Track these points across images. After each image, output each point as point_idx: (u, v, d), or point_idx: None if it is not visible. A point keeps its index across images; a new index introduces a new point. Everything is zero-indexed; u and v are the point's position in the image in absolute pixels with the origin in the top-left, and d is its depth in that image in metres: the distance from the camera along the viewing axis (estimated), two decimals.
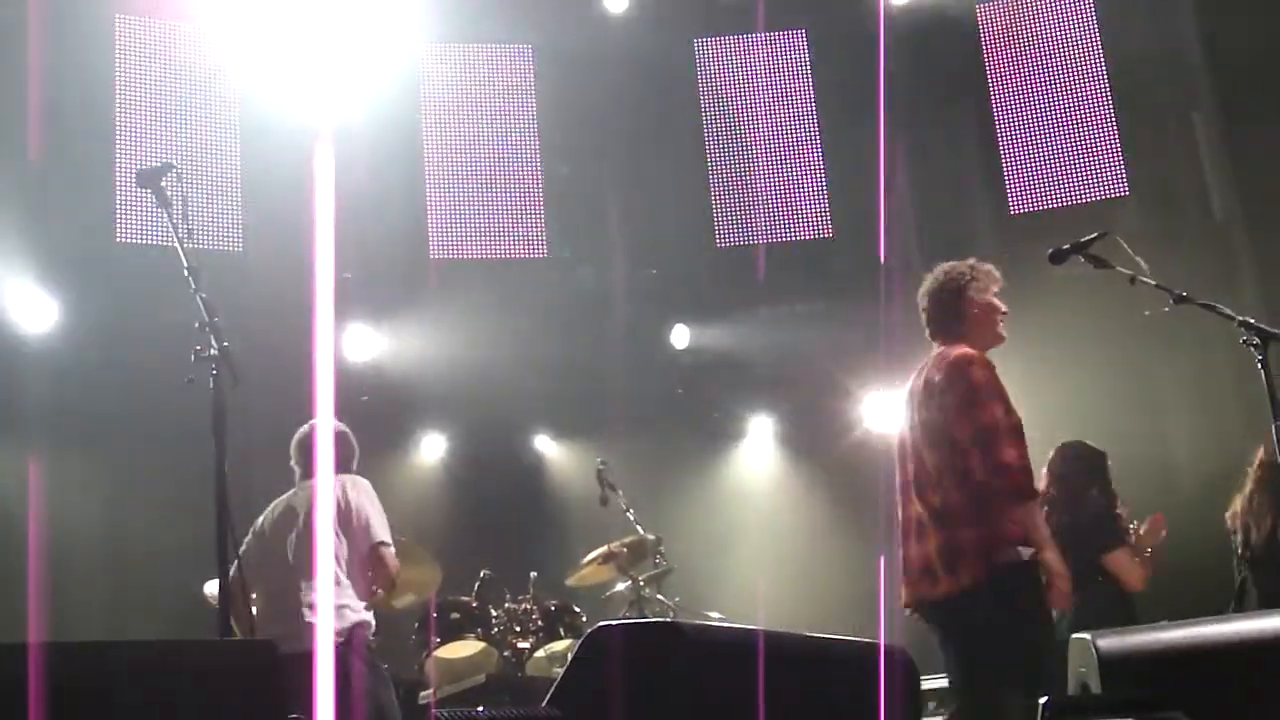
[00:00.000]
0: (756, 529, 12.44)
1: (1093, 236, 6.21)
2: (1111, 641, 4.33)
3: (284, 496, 7.55)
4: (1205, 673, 4.24)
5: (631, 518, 9.55)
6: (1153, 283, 6.04)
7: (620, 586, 9.51)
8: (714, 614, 9.52)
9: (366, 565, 7.21)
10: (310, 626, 6.87)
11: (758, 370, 12.64)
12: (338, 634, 6.91)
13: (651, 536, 9.54)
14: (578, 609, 9.76)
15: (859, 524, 11.78)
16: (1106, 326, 11.33)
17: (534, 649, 9.43)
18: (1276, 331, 5.76)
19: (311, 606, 6.94)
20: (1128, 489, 11.29)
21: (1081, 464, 8.01)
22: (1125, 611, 7.80)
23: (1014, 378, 11.76)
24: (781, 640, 3.96)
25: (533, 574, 9.79)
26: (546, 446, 12.91)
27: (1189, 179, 12.50)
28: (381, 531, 7.24)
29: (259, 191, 11.67)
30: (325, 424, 7.22)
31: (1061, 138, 12.67)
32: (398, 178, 12.22)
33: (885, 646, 4.34)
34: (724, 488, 12.86)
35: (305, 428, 7.59)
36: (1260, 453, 7.89)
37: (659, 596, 9.44)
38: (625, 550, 9.43)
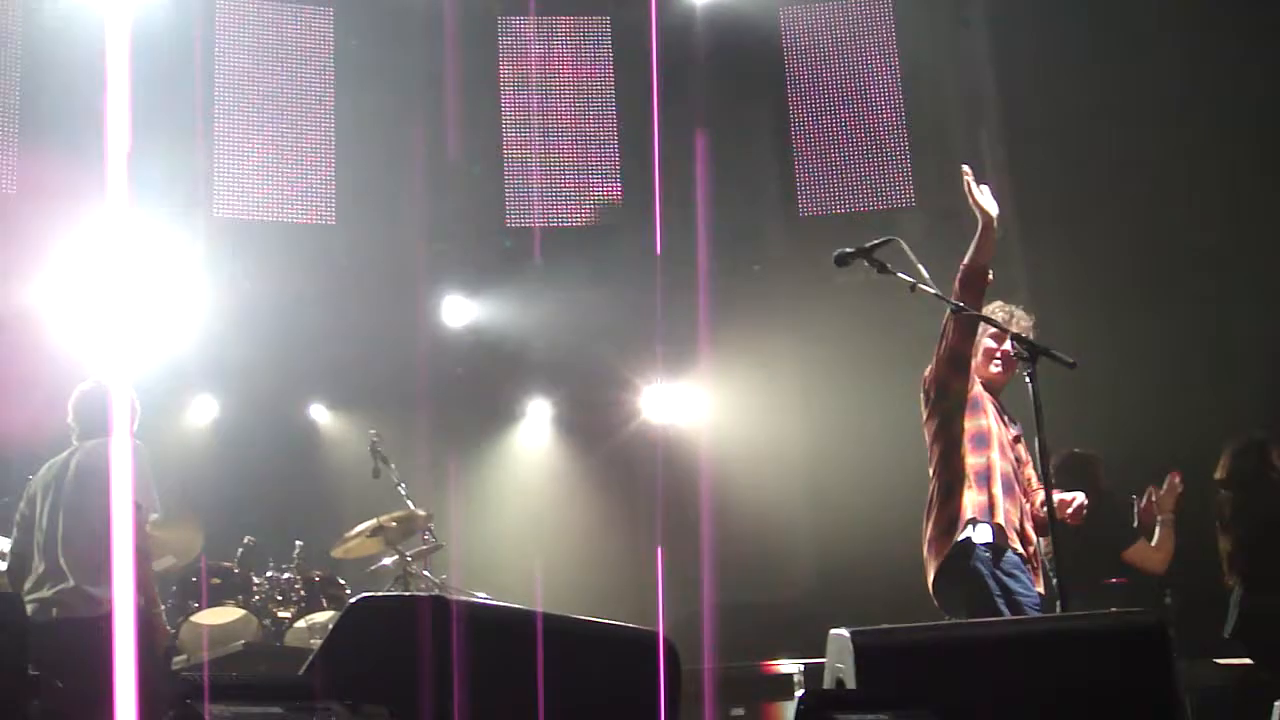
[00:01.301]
0: (531, 512, 12.41)
1: (878, 241, 6.30)
2: (867, 638, 4.41)
3: (59, 457, 7.28)
4: (956, 670, 4.34)
5: (403, 492, 9.47)
6: (933, 291, 6.16)
7: (387, 561, 9.41)
8: (481, 593, 9.48)
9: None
10: (80, 592, 6.76)
11: (538, 353, 12.60)
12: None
13: (422, 512, 9.46)
14: (342, 581, 9.64)
15: (636, 514, 11.86)
16: (886, 332, 11.57)
17: (295, 619, 9.29)
18: (1044, 346, 5.94)
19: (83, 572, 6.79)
20: (896, 492, 11.58)
21: (1068, 475, 8.06)
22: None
23: (793, 379, 12.07)
24: (551, 621, 3.94)
25: (298, 543, 9.65)
26: (321, 415, 12.69)
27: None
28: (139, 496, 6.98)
29: None
30: (113, 383, 7.01)
31: (854, 145, 12.89)
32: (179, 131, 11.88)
33: (646, 633, 4.36)
34: (499, 468, 12.80)
35: (87, 384, 7.39)
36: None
37: (426, 573, 9.36)
38: (395, 524, 9.33)
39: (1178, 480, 8.53)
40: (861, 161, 12.86)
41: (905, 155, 12.83)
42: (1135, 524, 8.53)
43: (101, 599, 6.77)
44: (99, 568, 6.81)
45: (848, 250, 6.30)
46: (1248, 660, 9.08)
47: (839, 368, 11.94)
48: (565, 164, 12.99)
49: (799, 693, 3.81)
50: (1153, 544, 8.49)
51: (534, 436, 12.93)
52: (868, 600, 10.46)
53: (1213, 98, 11.64)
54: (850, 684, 4.38)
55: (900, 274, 6.21)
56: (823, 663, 4.79)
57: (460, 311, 12.58)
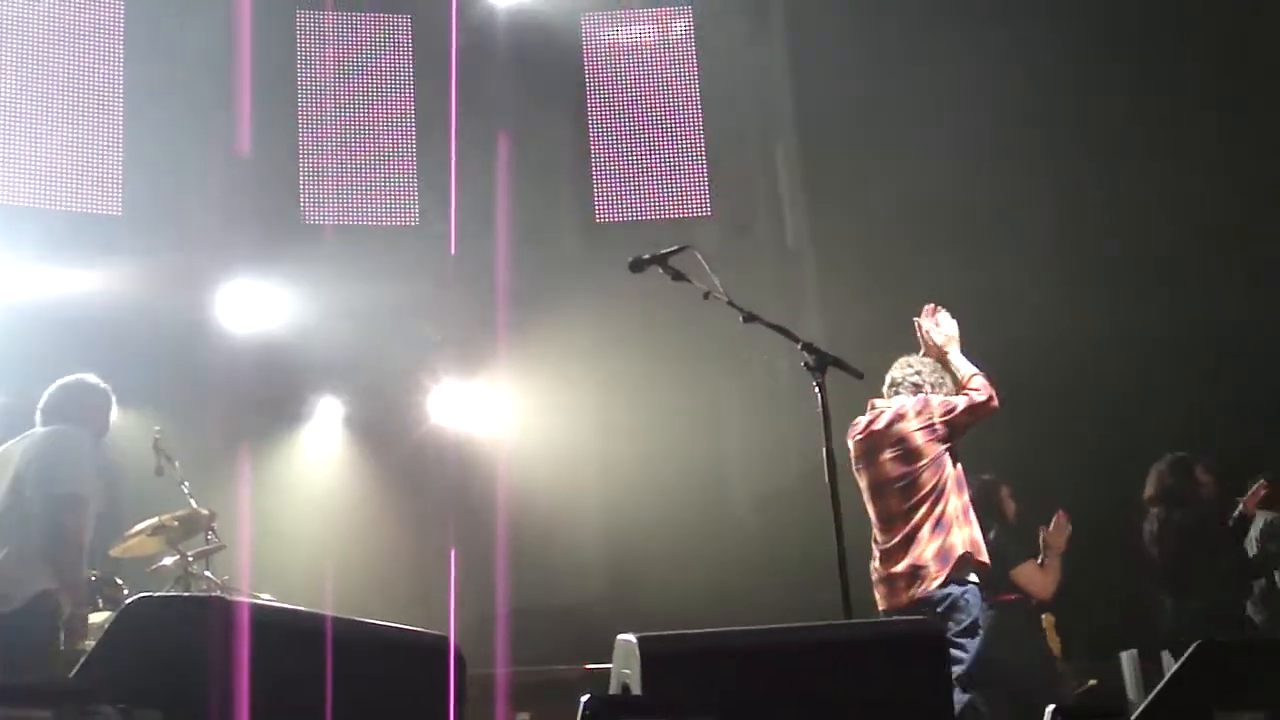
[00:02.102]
0: (321, 513, 12.20)
1: (673, 249, 6.36)
2: (654, 644, 4.42)
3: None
4: (743, 676, 4.38)
5: (186, 490, 9.24)
6: (725, 299, 6.22)
7: (168, 561, 9.17)
8: (266, 595, 9.31)
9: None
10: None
11: (329, 352, 12.38)
12: None
13: (205, 511, 9.25)
14: (120, 580, 9.36)
15: (427, 517, 11.76)
16: (679, 339, 11.67)
17: None
18: (834, 356, 6.03)
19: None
20: (687, 499, 11.70)
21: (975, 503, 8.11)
22: (1031, 625, 8.74)
23: (587, 383, 12.09)
24: (339, 625, 3.87)
25: None
26: None
27: (768, 207, 13.03)
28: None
29: None
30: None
31: (652, 152, 12.99)
32: None
33: (434, 637, 4.32)
34: (288, 468, 12.56)
35: (69, 379, 7.49)
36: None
37: (208, 574, 9.15)
38: (176, 523, 9.09)
39: (1064, 520, 8.80)
40: (659, 170, 12.96)
41: (702, 165, 12.97)
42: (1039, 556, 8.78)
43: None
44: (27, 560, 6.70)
45: (643, 257, 6.36)
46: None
47: (633, 373, 12.01)
48: (362, 162, 12.84)
49: (583, 698, 3.79)
50: (1039, 565, 8.73)
51: (324, 436, 12.72)
52: (655, 607, 10.53)
53: (1008, 117, 11.98)
54: (636, 690, 4.39)
55: (695, 282, 6.27)
56: (609, 668, 4.80)
57: (250, 307, 12.30)
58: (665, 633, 4.60)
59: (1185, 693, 4.43)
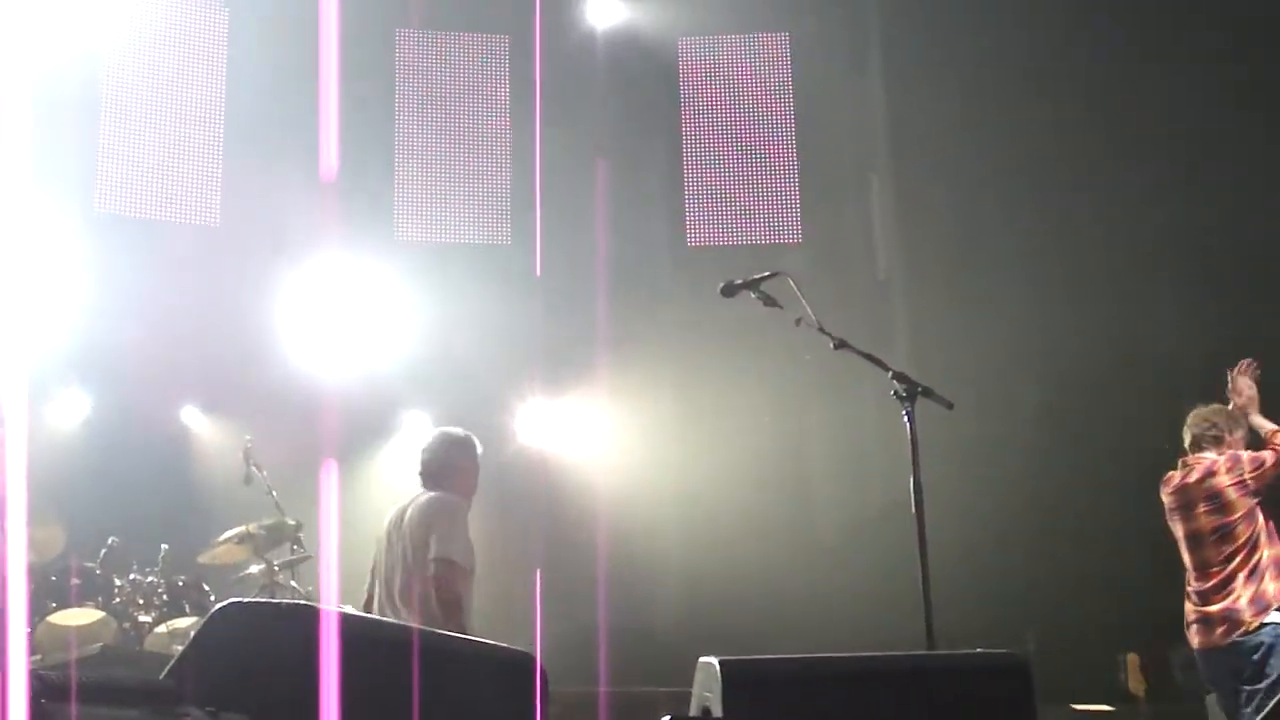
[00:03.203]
0: None
1: (765, 275, 6.36)
2: (735, 667, 4.42)
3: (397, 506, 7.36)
4: (822, 702, 4.37)
5: (274, 499, 9.35)
6: (816, 326, 6.21)
7: (254, 569, 9.29)
8: (348, 607, 9.37)
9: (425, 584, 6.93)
10: None
11: (419, 367, 12.47)
12: None
13: (292, 521, 9.35)
14: (207, 587, 9.50)
15: (513, 535, 11.78)
16: (767, 365, 11.67)
17: (156, 623, 9.15)
18: (924, 385, 6.00)
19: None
20: (769, 526, 11.67)
21: None
22: None
23: (673, 407, 12.10)
24: (425, 638, 3.90)
25: (164, 547, 9.50)
26: (194, 419, 12.48)
27: (859, 235, 13.01)
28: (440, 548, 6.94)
29: None
30: None
31: (745, 178, 13.00)
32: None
33: (524, 654, 4.33)
34: (374, 481, 12.64)
35: (432, 433, 7.60)
36: None
37: (293, 583, 9.26)
38: (263, 532, 9.22)
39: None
40: (751, 195, 12.97)
41: (794, 192, 12.96)
42: None
43: None
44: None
45: (735, 282, 6.37)
46: (1107, 707, 9.30)
47: (721, 398, 12.02)
48: (456, 180, 12.95)
49: (664, 718, 3.80)
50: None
51: (411, 451, 12.76)
52: (736, 631, 10.51)
53: (1099, 150, 11.91)
54: (717, 712, 4.39)
55: (785, 308, 6.27)
56: (690, 691, 4.80)
57: (342, 320, 12.41)
58: (747, 657, 4.60)
59: None
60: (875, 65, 13.12)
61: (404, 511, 7.21)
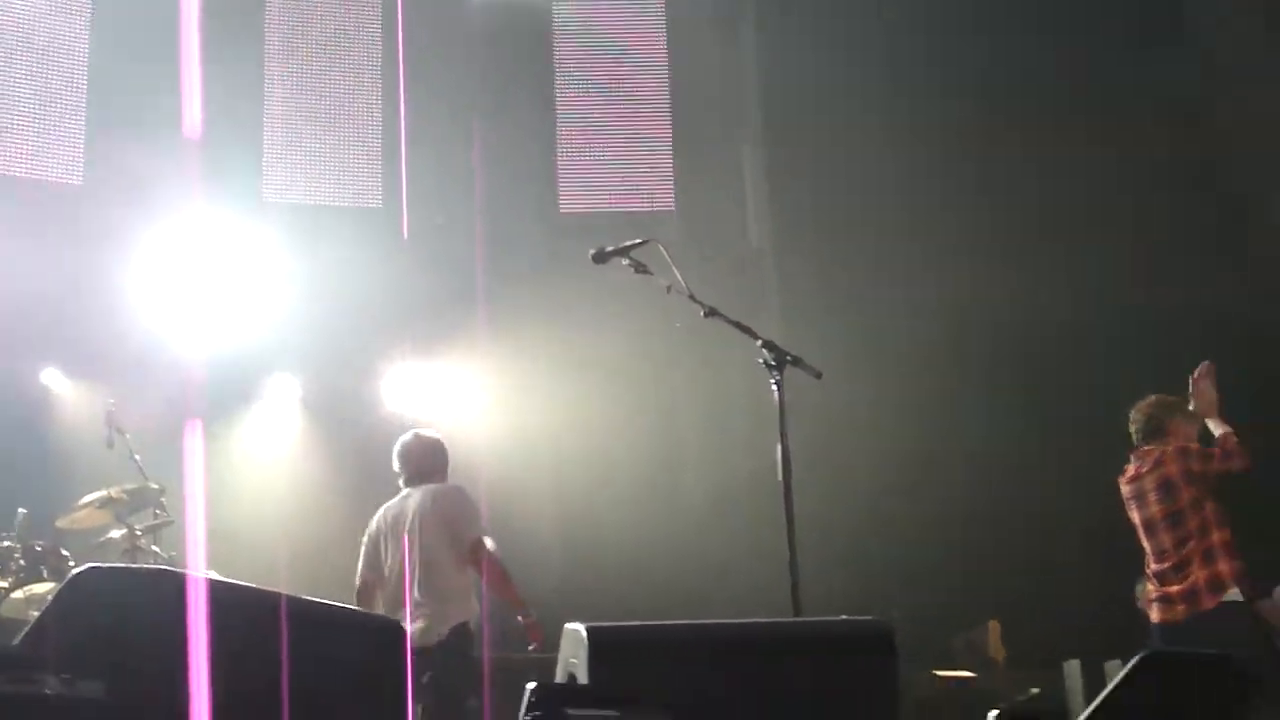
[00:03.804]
0: (272, 493, 12.11)
1: (636, 242, 6.37)
2: (602, 634, 4.42)
3: (393, 502, 7.90)
4: (690, 668, 4.39)
5: (137, 463, 9.19)
6: (687, 294, 6.22)
7: (115, 534, 9.13)
8: (213, 573, 9.25)
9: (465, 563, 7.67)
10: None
11: (284, 330, 12.27)
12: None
13: (155, 485, 9.20)
14: (66, 552, 9.31)
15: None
16: (639, 334, 11.68)
17: (12, 589, 8.95)
18: (793, 354, 6.03)
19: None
20: (636, 493, 11.72)
21: None
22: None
23: (545, 374, 12.08)
24: (292, 604, 3.84)
25: (21, 511, 9.29)
26: (55, 381, 12.19)
27: (732, 204, 13.06)
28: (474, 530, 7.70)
29: None
30: None
31: (619, 145, 12.98)
32: None
33: (392, 621, 4.31)
34: (240, 446, 12.48)
35: (407, 436, 8.07)
36: None
37: (155, 548, 9.12)
38: (125, 496, 9.07)
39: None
40: (625, 163, 12.96)
41: (668, 160, 12.97)
42: None
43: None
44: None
45: (606, 248, 6.37)
46: (968, 673, 9.48)
47: (591, 365, 12.01)
48: (325, 142, 12.77)
49: (529, 684, 3.79)
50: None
51: (277, 416, 12.64)
52: (606, 598, 10.54)
53: (970, 118, 12.08)
54: (582, 679, 4.39)
55: (657, 275, 6.28)
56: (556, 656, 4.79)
57: (201, 282, 12.16)
58: (613, 623, 4.61)
59: (1127, 703, 4.46)
60: (749, 33, 13.17)
61: (417, 505, 7.79)
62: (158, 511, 9.29)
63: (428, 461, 8.02)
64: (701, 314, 6.24)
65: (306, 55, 12.83)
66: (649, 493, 11.99)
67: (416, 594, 7.54)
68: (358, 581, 7.88)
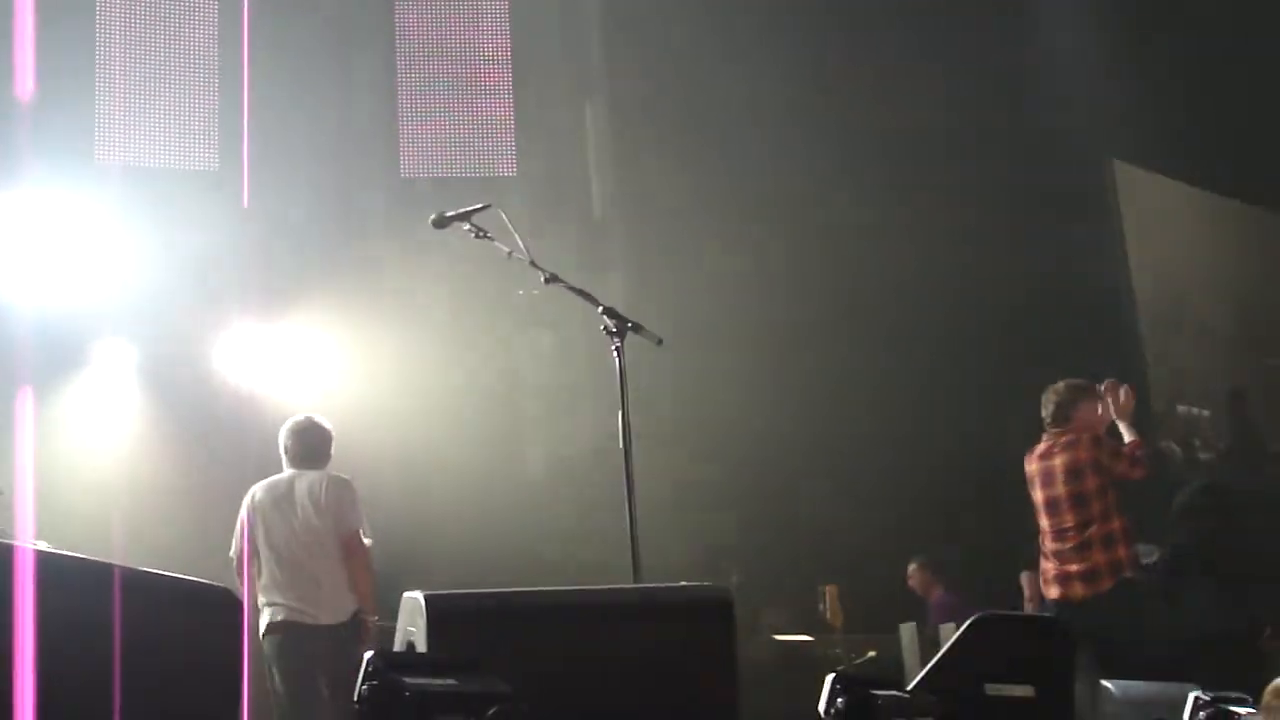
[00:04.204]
0: (106, 462, 11.85)
1: (477, 207, 6.37)
2: (440, 601, 4.42)
3: (280, 479, 7.92)
4: (529, 635, 4.40)
5: None
6: (528, 260, 6.22)
7: None
8: (42, 543, 9.04)
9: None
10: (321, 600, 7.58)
11: (114, 296, 11.94)
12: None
13: None
14: None
15: (222, 473, 11.48)
16: (480, 300, 11.64)
17: None
18: (634, 321, 6.06)
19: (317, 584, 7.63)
20: (478, 460, 11.68)
21: None
22: None
23: (386, 339, 11.98)
24: (124, 574, 3.77)
25: None
26: None
27: (575, 169, 13.04)
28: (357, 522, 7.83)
29: None
30: None
31: (461, 107, 12.87)
32: None
33: (225, 589, 4.25)
34: (69, 413, 12.16)
35: (301, 418, 8.13)
36: None
37: None
38: None
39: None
40: (467, 126, 12.86)
41: (510, 124, 12.90)
42: None
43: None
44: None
45: (446, 213, 6.35)
46: (806, 637, 9.64)
47: (434, 331, 11.94)
48: (161, 103, 12.48)
49: (366, 653, 3.77)
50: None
51: (110, 382, 12.34)
52: (446, 566, 10.52)
53: (822, 83, 12.22)
54: (421, 647, 4.38)
55: (498, 242, 6.27)
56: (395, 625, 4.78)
57: (32, 245, 11.82)
58: (452, 591, 4.60)
59: (960, 664, 4.56)
60: None
61: (306, 487, 7.85)
62: None
63: (320, 447, 8.09)
64: (542, 280, 6.24)
65: (142, 14, 12.52)
66: (491, 460, 11.96)
67: (311, 574, 7.66)
68: (233, 552, 7.91)
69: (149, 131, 12.44)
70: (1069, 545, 7.70)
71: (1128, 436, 7.80)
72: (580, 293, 6.24)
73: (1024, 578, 9.73)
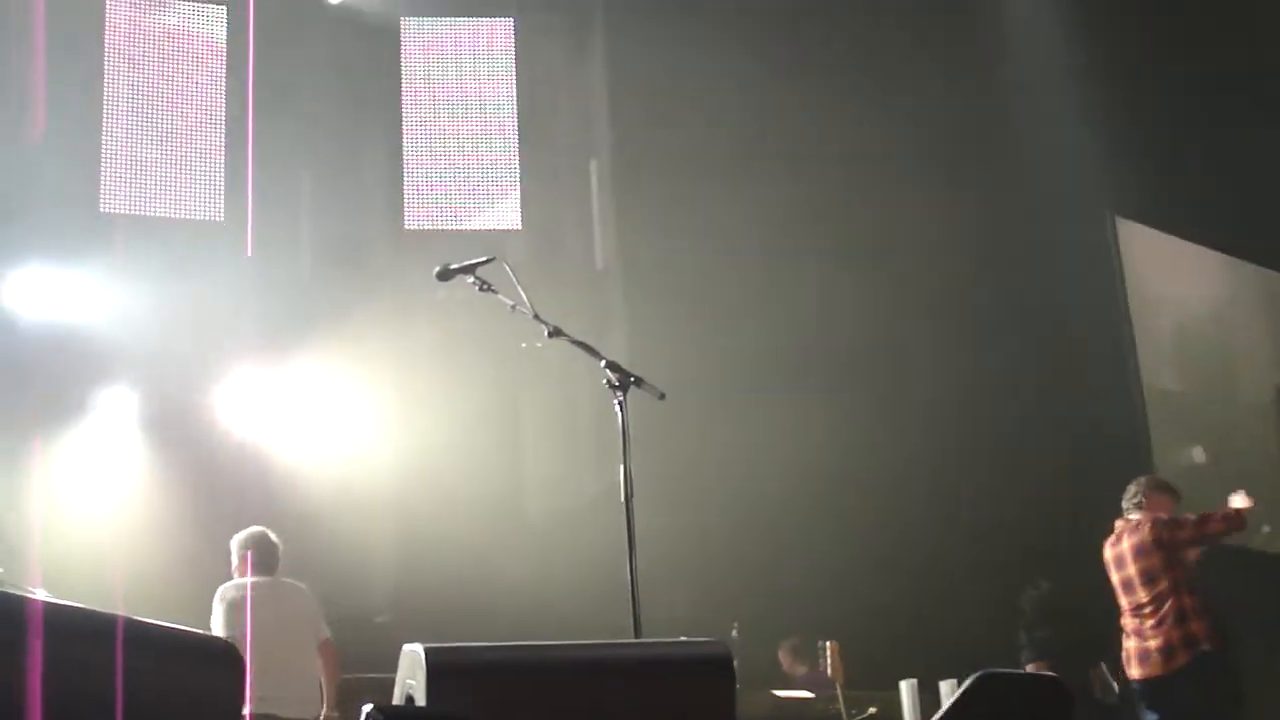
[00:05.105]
0: (107, 508, 11.82)
1: (481, 260, 6.38)
2: (441, 655, 4.40)
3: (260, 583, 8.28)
4: (529, 691, 4.39)
5: None
6: (531, 313, 6.23)
7: None
8: (41, 591, 9.01)
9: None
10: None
11: (118, 345, 11.94)
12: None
13: None
14: None
15: (223, 521, 11.46)
16: (483, 353, 11.65)
17: None
18: (636, 375, 6.06)
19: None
20: (478, 513, 11.66)
21: None
22: None
23: (388, 392, 11.98)
24: (127, 625, 3.76)
25: None
26: None
27: (579, 224, 13.09)
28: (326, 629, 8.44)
29: None
30: None
31: (465, 160, 12.92)
32: None
33: (226, 642, 4.25)
34: (73, 463, 12.13)
35: (257, 530, 8.59)
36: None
37: None
38: None
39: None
40: (471, 179, 12.92)
41: (515, 177, 12.95)
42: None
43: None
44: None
45: (450, 266, 6.37)
46: (807, 694, 9.63)
47: (434, 383, 11.95)
48: (168, 153, 12.53)
49: (365, 707, 3.76)
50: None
51: (113, 431, 12.33)
52: (445, 618, 10.48)
53: (821, 138, 12.29)
54: (421, 700, 4.36)
55: (502, 295, 6.29)
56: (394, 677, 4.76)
57: (35, 292, 11.84)
58: (452, 644, 4.59)
59: None
60: (598, 50, 13.22)
61: (279, 593, 8.33)
62: None
63: (275, 557, 8.54)
64: (546, 333, 6.26)
65: (149, 64, 12.59)
66: (491, 512, 11.95)
67: (285, 670, 8.03)
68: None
69: (154, 181, 12.48)
70: (1147, 623, 8.14)
71: (1189, 515, 8.30)
72: (583, 346, 6.25)
73: (1094, 673, 10.04)
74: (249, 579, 8.30)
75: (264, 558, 8.46)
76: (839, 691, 9.41)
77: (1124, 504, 8.54)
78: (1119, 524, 8.46)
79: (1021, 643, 10.44)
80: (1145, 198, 13.44)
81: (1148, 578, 8.16)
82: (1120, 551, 8.38)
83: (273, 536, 8.58)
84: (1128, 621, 8.31)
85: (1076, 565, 9.74)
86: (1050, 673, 8.06)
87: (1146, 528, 8.24)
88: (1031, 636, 10.45)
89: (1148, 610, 8.14)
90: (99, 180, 12.29)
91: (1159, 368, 13.83)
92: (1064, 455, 12.42)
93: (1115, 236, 13.65)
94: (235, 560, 8.49)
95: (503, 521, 12.04)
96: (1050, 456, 12.37)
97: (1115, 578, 8.38)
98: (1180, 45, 13.09)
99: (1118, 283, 13.54)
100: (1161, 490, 8.57)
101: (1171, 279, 14.25)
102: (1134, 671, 8.29)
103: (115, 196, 12.35)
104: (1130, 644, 8.28)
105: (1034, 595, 10.72)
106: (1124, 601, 8.32)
